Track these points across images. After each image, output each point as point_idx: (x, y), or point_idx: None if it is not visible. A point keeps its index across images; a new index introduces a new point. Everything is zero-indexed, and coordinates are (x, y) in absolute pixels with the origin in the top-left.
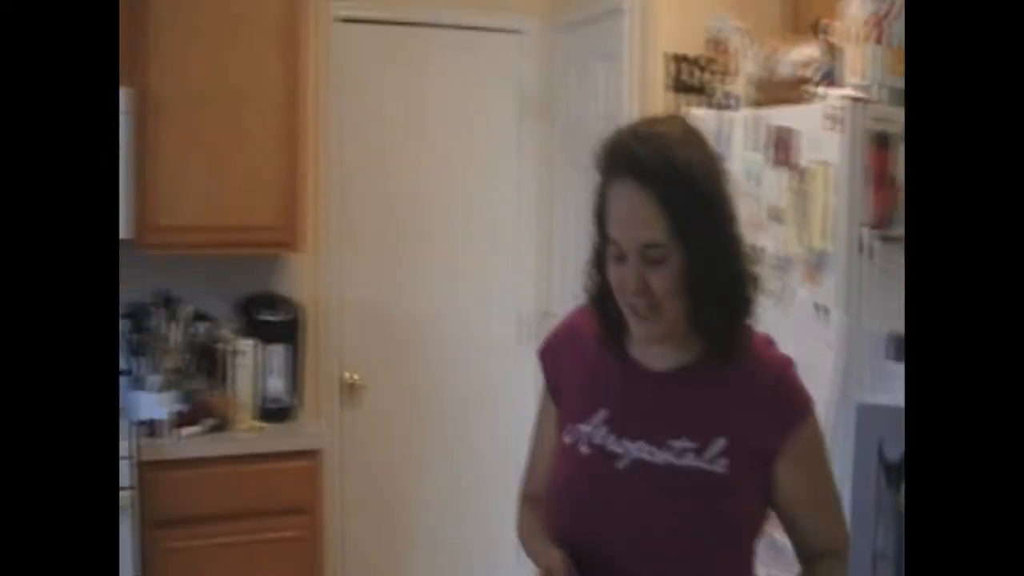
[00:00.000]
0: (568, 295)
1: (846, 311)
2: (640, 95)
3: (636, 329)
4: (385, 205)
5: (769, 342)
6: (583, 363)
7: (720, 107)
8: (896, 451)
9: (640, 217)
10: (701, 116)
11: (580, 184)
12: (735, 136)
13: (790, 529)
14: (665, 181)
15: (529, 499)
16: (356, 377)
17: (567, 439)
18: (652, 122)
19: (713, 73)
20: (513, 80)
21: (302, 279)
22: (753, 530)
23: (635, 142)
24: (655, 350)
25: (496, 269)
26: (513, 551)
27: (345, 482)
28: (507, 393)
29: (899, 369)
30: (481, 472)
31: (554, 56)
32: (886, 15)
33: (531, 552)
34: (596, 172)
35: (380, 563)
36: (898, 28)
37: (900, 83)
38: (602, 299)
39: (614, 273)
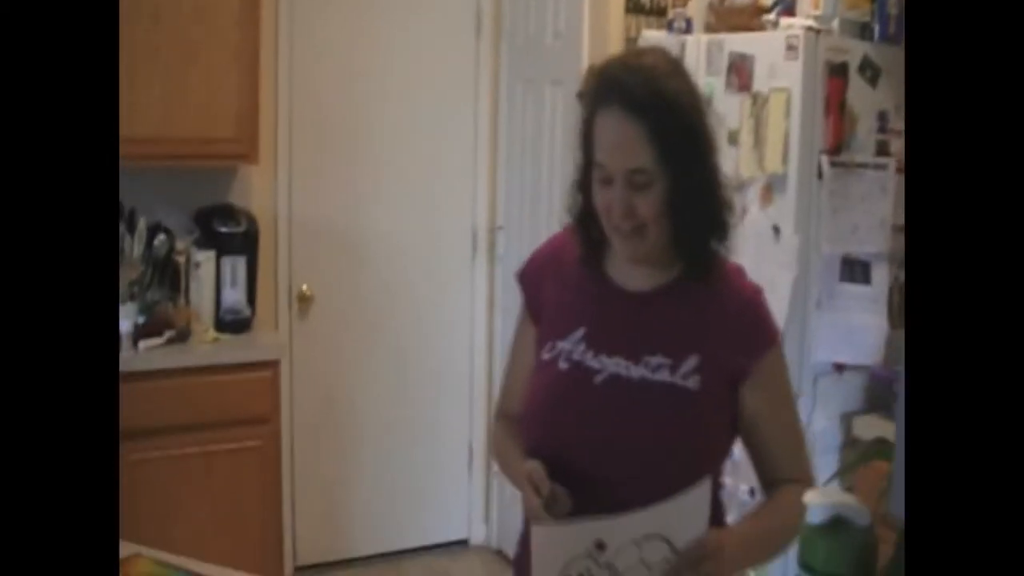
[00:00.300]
0: (516, 209)
1: (799, 231)
2: (596, 15)
3: (621, 249)
4: (341, 121)
5: (740, 271)
6: (564, 283)
7: (676, 31)
8: None
9: (628, 144)
10: (656, 38)
11: (530, 101)
12: (691, 60)
13: (754, 455)
14: (653, 111)
15: (504, 417)
16: (308, 289)
17: (546, 356)
18: (640, 54)
19: None
20: (470, 1)
21: (258, 192)
22: (721, 447)
23: (624, 73)
24: (634, 271)
25: (450, 184)
26: (464, 460)
27: (296, 393)
28: (459, 305)
29: (849, 289)
30: (432, 383)
31: None
32: None
33: (506, 466)
34: (584, 99)
35: (330, 473)
36: None
37: (855, 16)
38: (585, 220)
39: (601, 196)
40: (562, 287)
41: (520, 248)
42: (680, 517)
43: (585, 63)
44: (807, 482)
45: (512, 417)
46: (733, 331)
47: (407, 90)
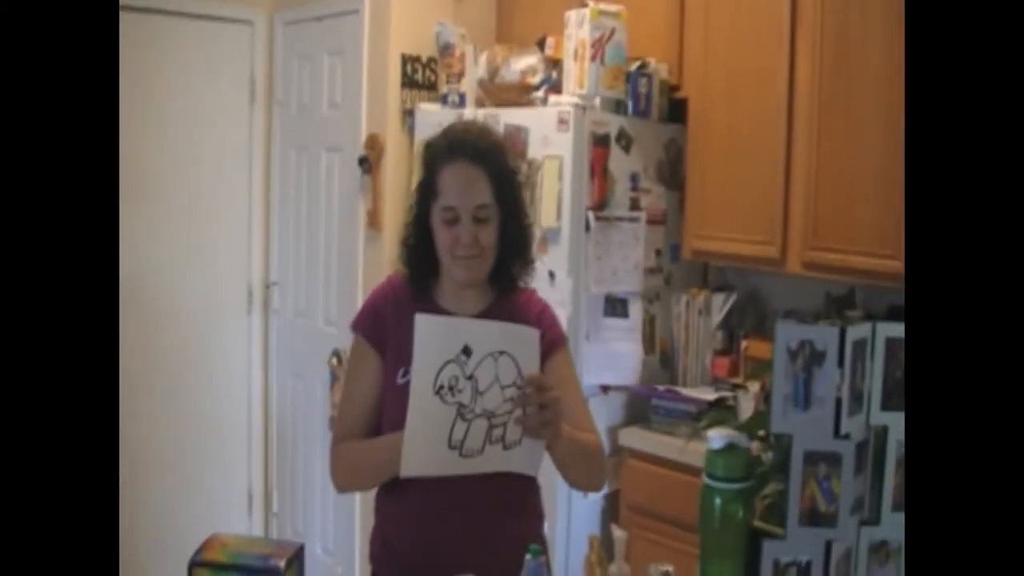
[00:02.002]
0: (290, 266)
1: (571, 275)
2: (373, 89)
3: (463, 274)
4: (121, 183)
5: (535, 293)
6: (403, 316)
7: (450, 104)
8: None
9: (474, 186)
10: (432, 111)
11: (302, 165)
12: None
13: None
14: (490, 158)
15: (348, 438)
16: None
17: (401, 380)
18: (471, 122)
19: (441, 73)
20: (245, 68)
21: None
22: None
23: (465, 134)
24: (460, 300)
25: (226, 243)
26: (244, 506)
27: None
28: (236, 357)
29: (611, 322)
30: (210, 433)
31: (284, 48)
32: (605, 39)
33: (370, 460)
34: (428, 159)
35: None
36: (611, 49)
37: (613, 94)
38: (421, 257)
39: (447, 234)
40: (402, 319)
41: (295, 302)
42: (523, 347)
43: (364, 132)
44: (596, 435)
45: (358, 437)
46: (540, 327)
47: (184, 152)
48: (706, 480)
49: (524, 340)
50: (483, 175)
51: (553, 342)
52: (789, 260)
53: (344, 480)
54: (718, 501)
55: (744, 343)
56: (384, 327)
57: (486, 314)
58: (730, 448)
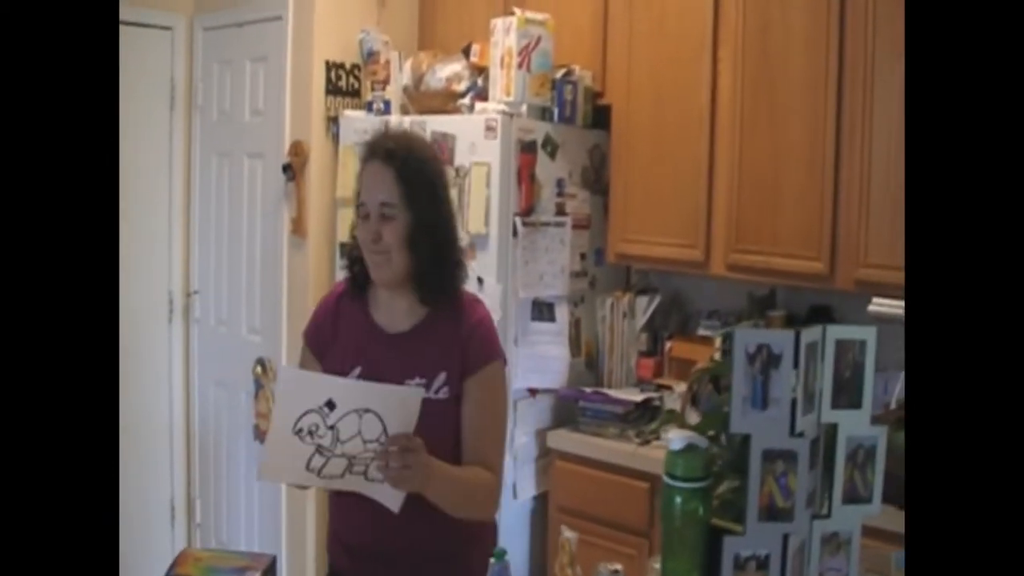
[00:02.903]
0: (211, 274)
1: (500, 281)
2: (297, 96)
3: (374, 273)
4: None
5: (477, 301)
6: (344, 328)
7: (375, 111)
8: None
9: (381, 183)
10: (356, 117)
11: (224, 172)
12: None
13: (462, 436)
14: (401, 159)
15: None
16: None
17: None
18: (395, 128)
19: (366, 80)
20: (164, 74)
21: None
22: None
23: (387, 139)
24: (393, 311)
25: (146, 251)
26: (167, 517)
27: None
28: (157, 367)
29: (539, 326)
30: (132, 443)
31: (204, 54)
32: (531, 47)
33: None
34: (358, 161)
35: None
36: (537, 57)
37: (539, 101)
38: (356, 257)
39: (361, 229)
40: (342, 331)
41: (217, 311)
42: (395, 407)
43: (287, 139)
44: (493, 471)
45: None
46: (467, 347)
47: None
48: (666, 480)
49: (399, 400)
50: (391, 173)
51: (477, 361)
52: (712, 262)
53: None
54: (678, 500)
55: (668, 344)
56: (325, 337)
57: (416, 331)
58: (689, 449)
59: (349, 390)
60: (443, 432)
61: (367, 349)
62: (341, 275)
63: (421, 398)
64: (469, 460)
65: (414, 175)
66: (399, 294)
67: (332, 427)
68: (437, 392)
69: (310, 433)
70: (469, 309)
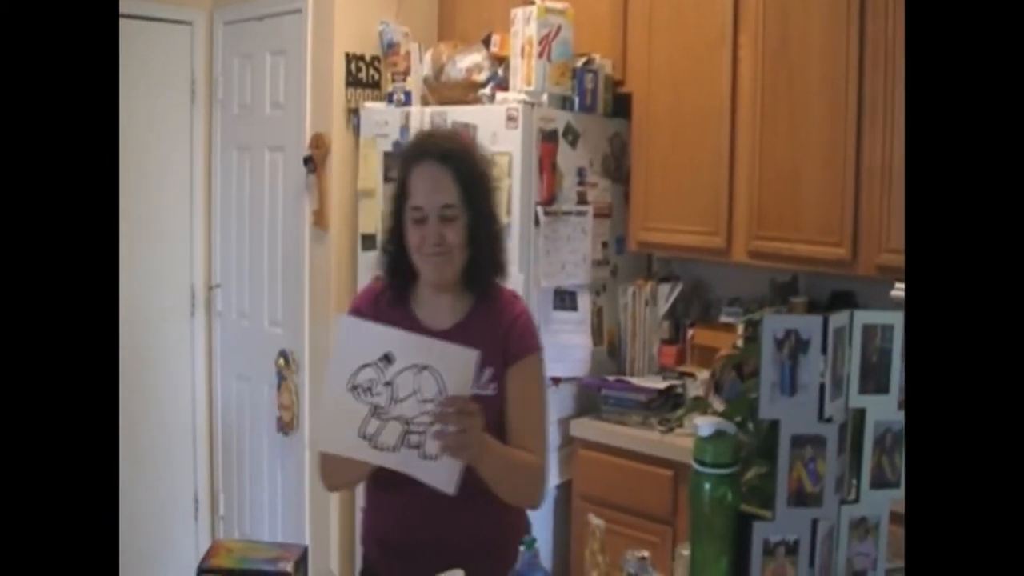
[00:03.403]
0: (233, 267)
1: (522, 271)
2: (317, 89)
3: (432, 274)
4: None
5: (515, 295)
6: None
7: (395, 103)
8: None
9: (440, 186)
10: (377, 109)
11: (244, 165)
12: (415, 128)
13: (508, 426)
14: (458, 159)
15: None
16: None
17: None
18: (440, 127)
19: (386, 72)
20: (185, 69)
21: None
22: None
23: (436, 138)
24: (436, 311)
25: (167, 245)
26: (191, 511)
27: None
28: (180, 360)
29: (561, 315)
30: (155, 436)
31: (224, 48)
32: (551, 36)
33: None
34: (400, 163)
35: None
36: (558, 46)
37: (560, 90)
38: (397, 258)
39: (415, 233)
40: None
41: (238, 304)
42: (453, 366)
43: (308, 131)
44: (539, 456)
45: None
46: (507, 339)
47: (125, 154)
48: (695, 466)
49: (456, 360)
50: (449, 175)
51: (518, 352)
52: (734, 249)
53: (330, 480)
54: (707, 486)
55: (690, 332)
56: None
57: (459, 328)
58: (718, 435)
59: (409, 343)
60: (492, 426)
61: None
62: (363, 267)
63: (476, 361)
64: (517, 445)
65: (470, 174)
66: (445, 291)
67: (389, 383)
68: (484, 387)
69: (367, 390)
70: (509, 304)
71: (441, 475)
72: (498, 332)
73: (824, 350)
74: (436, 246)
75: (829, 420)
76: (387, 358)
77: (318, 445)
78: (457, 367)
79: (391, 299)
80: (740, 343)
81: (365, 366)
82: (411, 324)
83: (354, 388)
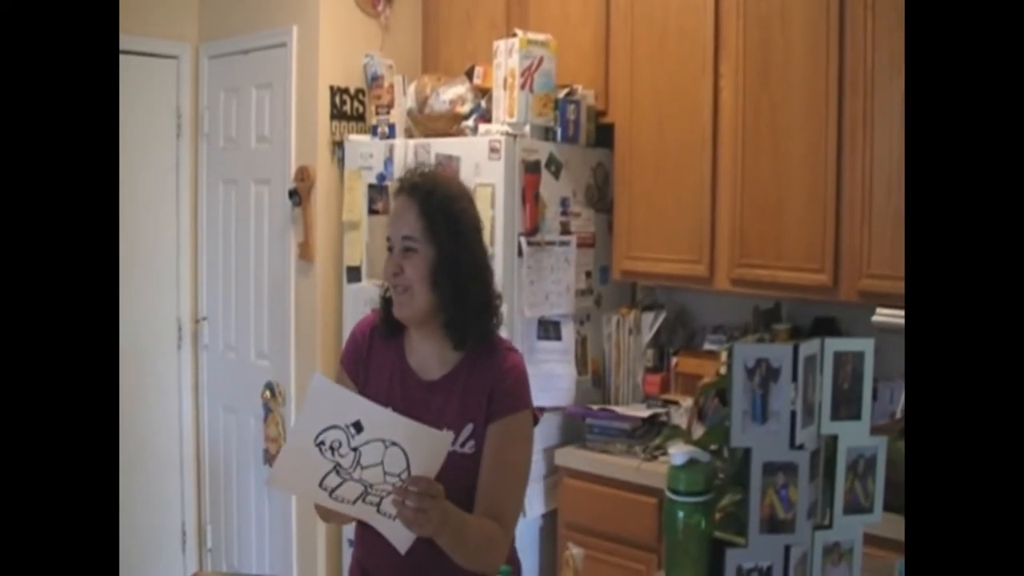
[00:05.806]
0: (219, 300)
1: (506, 301)
2: (302, 121)
3: (396, 311)
4: None
5: (510, 347)
6: (374, 372)
7: (379, 135)
8: None
9: (404, 217)
10: (361, 141)
11: (230, 199)
12: (399, 161)
13: (478, 483)
14: (424, 194)
15: None
16: None
17: None
18: (424, 164)
19: (370, 104)
20: (171, 102)
21: None
22: None
23: (414, 174)
24: (425, 357)
25: (154, 277)
26: (178, 541)
27: None
28: (167, 393)
29: (545, 345)
30: (142, 468)
31: (210, 81)
32: (534, 68)
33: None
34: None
35: None
36: (540, 77)
37: (542, 121)
38: (388, 297)
39: (385, 263)
40: (373, 370)
41: (226, 337)
42: (423, 447)
43: (293, 164)
44: (504, 525)
45: None
46: (492, 396)
47: None
48: (668, 495)
49: (427, 441)
50: (414, 207)
51: (500, 409)
52: (717, 277)
53: (324, 513)
54: (681, 514)
55: (674, 360)
56: (360, 358)
57: (447, 380)
58: (691, 463)
59: (380, 417)
60: (465, 486)
61: (398, 394)
62: (349, 299)
63: (449, 444)
64: (481, 511)
65: (436, 210)
66: (430, 338)
67: (355, 449)
68: (463, 446)
69: (332, 448)
70: (501, 357)
71: (395, 533)
72: (484, 386)
73: (795, 378)
74: (394, 276)
75: (801, 447)
76: (357, 426)
77: (276, 483)
78: (427, 448)
79: (385, 341)
80: (723, 370)
81: (334, 427)
82: (401, 371)
83: (320, 444)
